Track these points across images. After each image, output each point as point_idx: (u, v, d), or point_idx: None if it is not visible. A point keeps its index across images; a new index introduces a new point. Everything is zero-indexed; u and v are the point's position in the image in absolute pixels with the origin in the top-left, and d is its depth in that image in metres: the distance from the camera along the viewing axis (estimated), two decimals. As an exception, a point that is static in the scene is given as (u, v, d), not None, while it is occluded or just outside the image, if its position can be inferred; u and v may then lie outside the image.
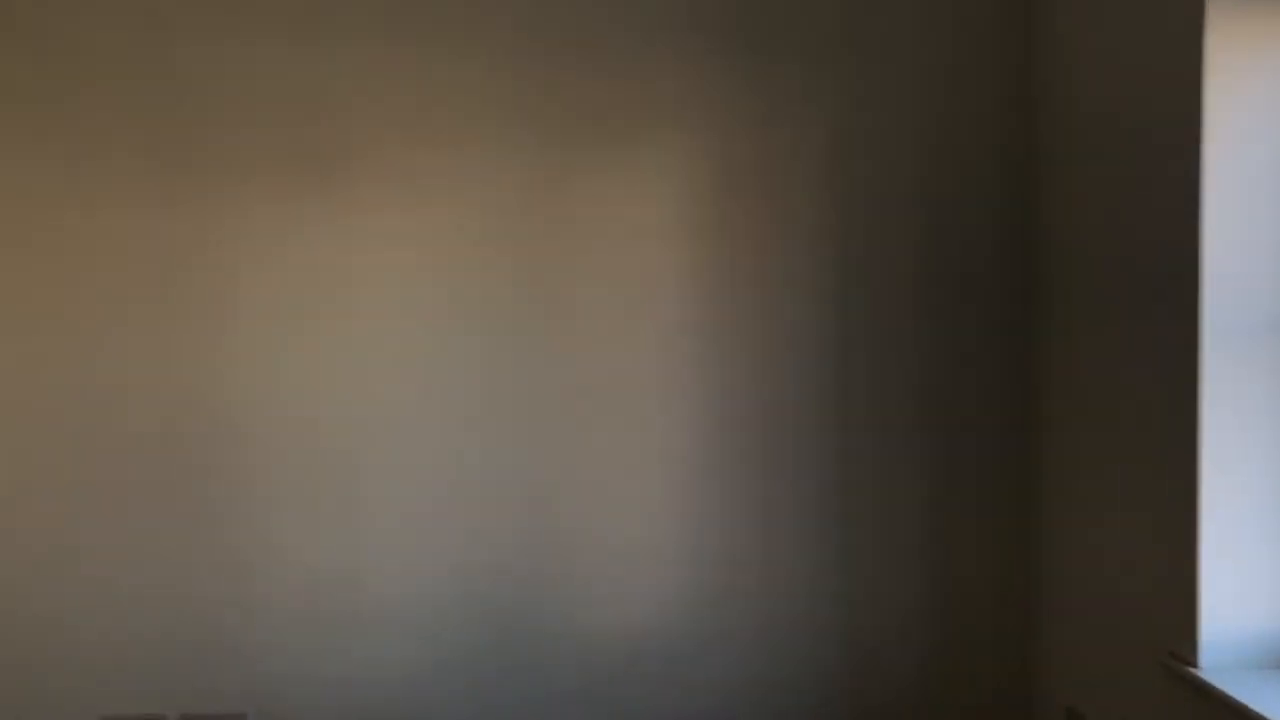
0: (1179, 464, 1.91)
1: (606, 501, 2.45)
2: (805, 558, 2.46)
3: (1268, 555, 1.89)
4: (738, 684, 2.47)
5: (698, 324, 2.44)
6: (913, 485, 2.47)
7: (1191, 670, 1.90)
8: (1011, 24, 2.45)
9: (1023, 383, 2.47)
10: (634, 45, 2.41)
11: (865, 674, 2.48)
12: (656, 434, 2.45)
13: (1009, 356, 2.47)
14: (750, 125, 2.43)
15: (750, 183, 2.43)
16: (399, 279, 2.42)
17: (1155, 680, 2.01)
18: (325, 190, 2.40)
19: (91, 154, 2.36)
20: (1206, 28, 1.82)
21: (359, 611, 2.44)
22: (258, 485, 2.41)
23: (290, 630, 2.44)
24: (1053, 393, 2.38)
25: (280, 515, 2.42)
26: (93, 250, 2.37)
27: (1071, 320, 2.29)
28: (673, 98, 2.42)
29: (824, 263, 2.44)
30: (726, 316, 2.45)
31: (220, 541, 2.41)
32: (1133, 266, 2.05)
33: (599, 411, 2.44)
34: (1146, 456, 2.02)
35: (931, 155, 2.44)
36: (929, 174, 2.44)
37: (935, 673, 2.49)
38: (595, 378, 2.44)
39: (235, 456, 2.41)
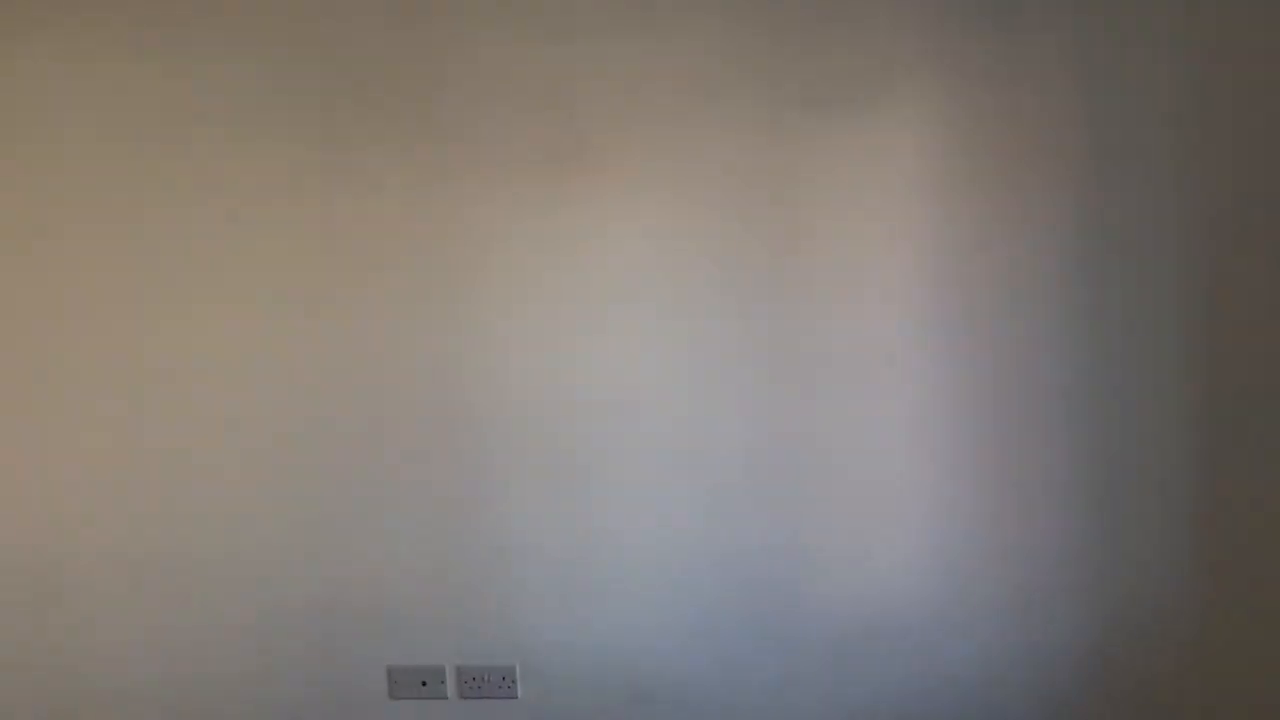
0: None
1: (851, 468, 2.47)
2: (1062, 523, 2.43)
3: None
4: (992, 653, 2.47)
5: (942, 284, 2.42)
6: (1181, 446, 2.39)
7: None
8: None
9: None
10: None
11: (1131, 646, 2.44)
12: (903, 397, 2.44)
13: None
14: (993, 87, 2.37)
15: (993, 144, 2.38)
16: (639, 258, 2.48)
17: None
18: (572, 177, 2.47)
19: (350, 154, 2.50)
20: None
21: (611, 575, 2.54)
22: (519, 457, 2.53)
23: (549, 591, 2.56)
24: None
25: (539, 485, 2.53)
26: (356, 246, 2.52)
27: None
28: (912, 57, 2.38)
29: (1077, 223, 2.37)
30: (969, 277, 2.41)
31: (485, 505, 2.54)
32: None
33: (842, 377, 2.44)
34: None
35: (1193, 112, 2.33)
36: (1190, 133, 2.34)
37: (1210, 649, 2.42)
38: (837, 343, 2.43)
39: (499, 428, 2.52)
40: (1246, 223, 2.35)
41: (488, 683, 2.61)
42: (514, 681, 2.60)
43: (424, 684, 2.62)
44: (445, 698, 2.63)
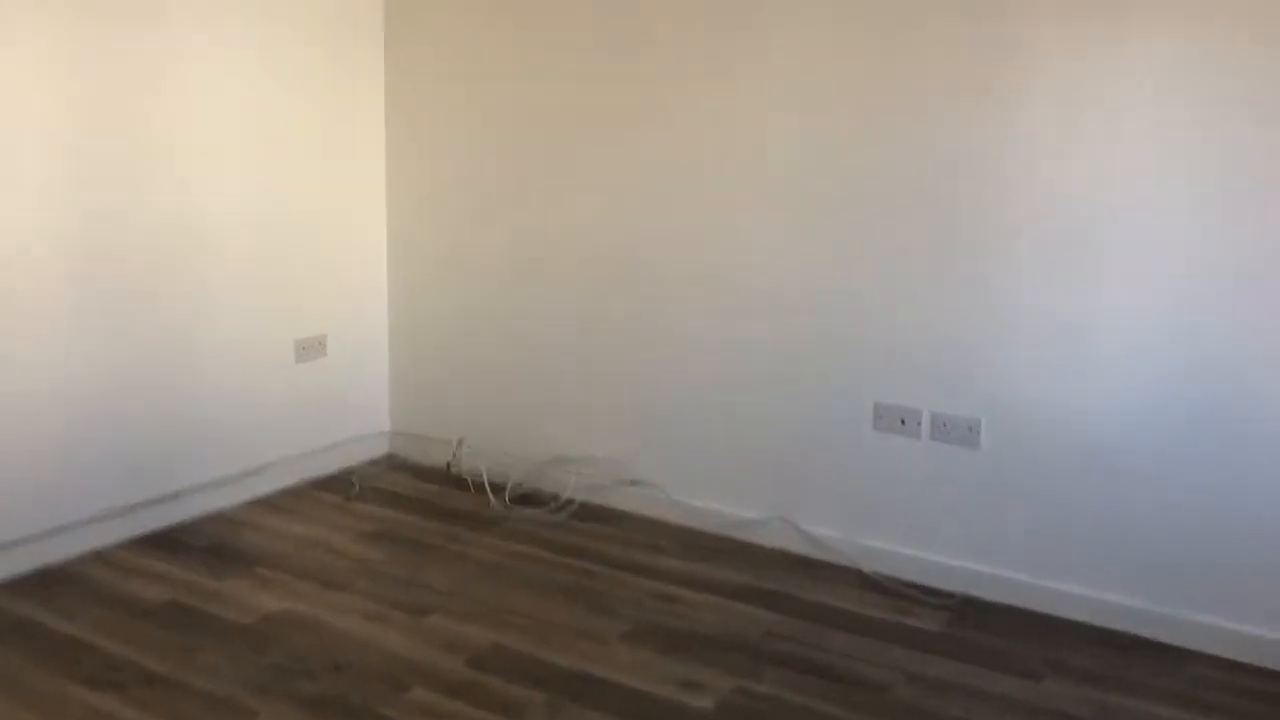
0: None
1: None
2: None
3: None
4: None
5: None
6: None
7: None
8: None
9: None
10: None
11: None
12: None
13: None
14: None
15: None
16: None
17: None
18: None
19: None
20: None
21: (1083, 351, 2.86)
22: (1022, 240, 2.93)
23: (1025, 358, 2.92)
24: None
25: (1037, 266, 2.92)
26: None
27: None
28: None
29: None
30: None
31: (988, 280, 2.99)
32: None
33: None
34: None
35: None
36: None
37: None
38: None
39: (1012, 212, 2.94)
40: None
41: (956, 430, 3.09)
42: (979, 432, 3.06)
43: (902, 422, 3.17)
44: (918, 437, 3.15)
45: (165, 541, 3.34)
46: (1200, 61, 2.66)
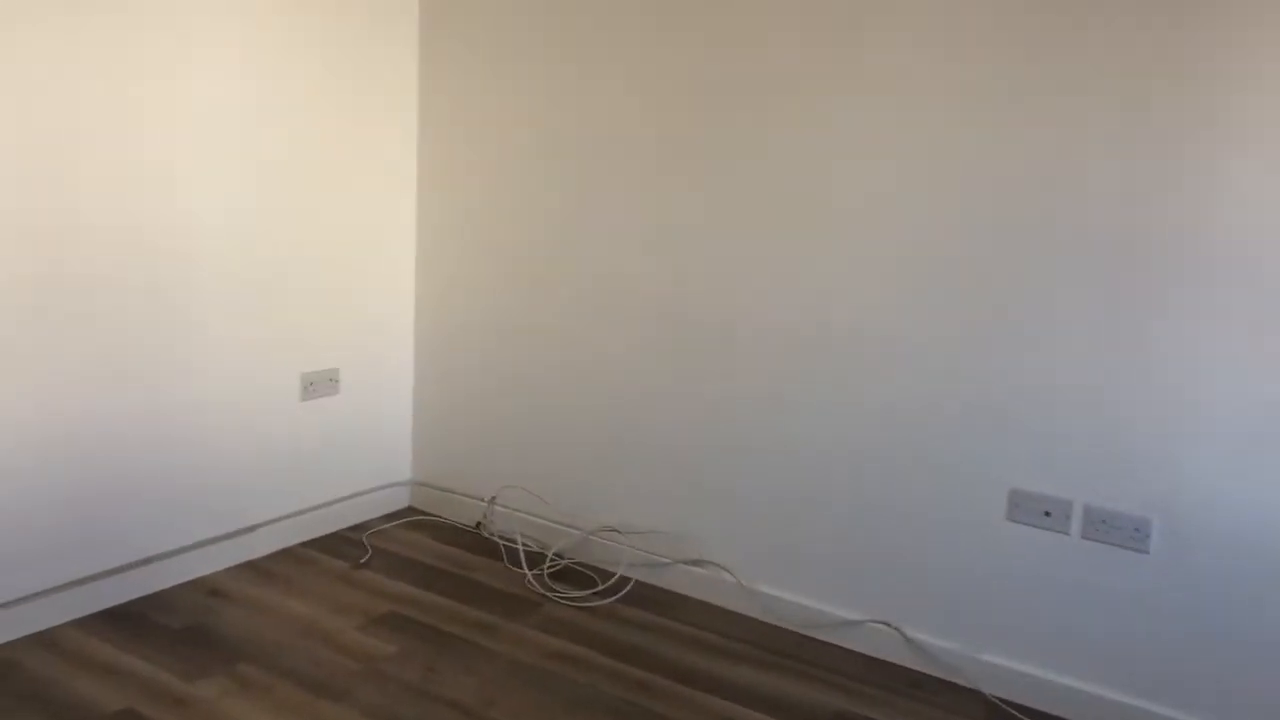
0: None
1: None
2: None
3: None
4: None
5: None
6: None
7: None
8: None
9: None
10: None
11: None
12: None
13: None
14: None
15: None
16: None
17: None
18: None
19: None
20: None
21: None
22: (1205, 301, 2.30)
23: (1212, 444, 2.32)
24: None
25: (1222, 335, 2.29)
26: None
27: None
28: None
29: None
30: None
31: (1155, 349, 2.36)
32: None
33: None
34: None
35: None
36: None
37: None
38: None
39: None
40: None
41: (1118, 529, 2.44)
42: (1149, 534, 2.40)
43: (1047, 514, 2.52)
44: (1066, 533, 2.50)
45: (131, 618, 2.74)
46: None
